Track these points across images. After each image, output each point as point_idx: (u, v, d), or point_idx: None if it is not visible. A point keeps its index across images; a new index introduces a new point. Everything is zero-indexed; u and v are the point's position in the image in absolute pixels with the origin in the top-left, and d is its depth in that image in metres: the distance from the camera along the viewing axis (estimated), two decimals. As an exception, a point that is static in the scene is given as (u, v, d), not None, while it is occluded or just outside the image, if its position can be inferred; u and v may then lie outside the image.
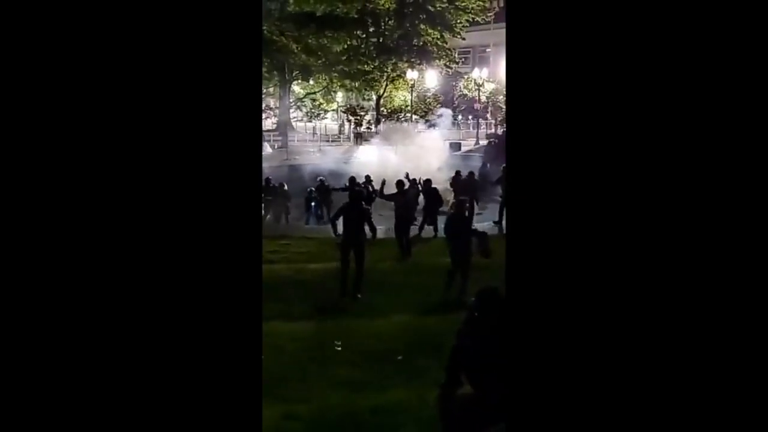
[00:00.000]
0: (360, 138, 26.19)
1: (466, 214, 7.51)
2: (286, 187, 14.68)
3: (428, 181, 11.13)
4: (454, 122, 28.11)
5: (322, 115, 30.63)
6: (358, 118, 28.19)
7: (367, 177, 13.36)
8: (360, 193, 8.98)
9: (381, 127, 24.98)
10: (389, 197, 9.86)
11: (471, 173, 13.40)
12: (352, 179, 12.17)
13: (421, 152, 19.38)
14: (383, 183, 10.74)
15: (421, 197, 10.91)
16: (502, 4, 28.04)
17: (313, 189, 14.60)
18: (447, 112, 27.46)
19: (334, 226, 7.92)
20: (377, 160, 19.24)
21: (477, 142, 25.19)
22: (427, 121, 26.74)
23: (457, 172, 13.26)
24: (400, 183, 10.02)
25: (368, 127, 27.48)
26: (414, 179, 11.79)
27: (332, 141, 27.92)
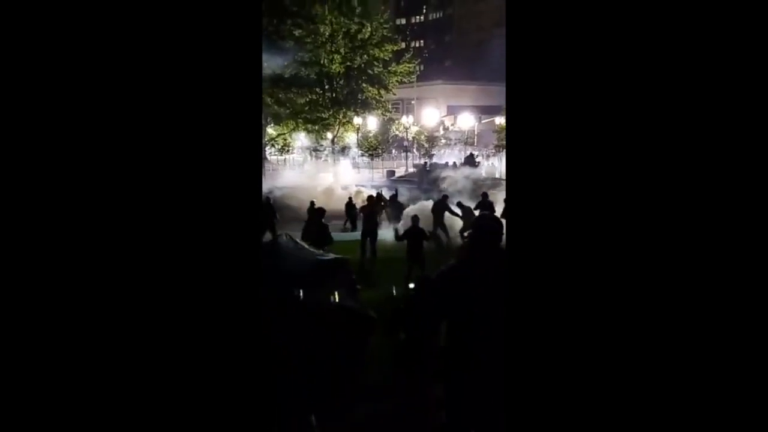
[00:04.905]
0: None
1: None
2: None
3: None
4: (362, 155, 33.35)
5: (290, 150, 34.58)
6: (318, 153, 33.49)
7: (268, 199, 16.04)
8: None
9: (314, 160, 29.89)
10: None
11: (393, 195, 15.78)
12: (267, 198, 15.18)
13: (337, 176, 24.54)
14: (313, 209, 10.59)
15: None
16: (422, 68, 34.66)
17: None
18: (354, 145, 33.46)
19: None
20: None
21: (407, 170, 30.49)
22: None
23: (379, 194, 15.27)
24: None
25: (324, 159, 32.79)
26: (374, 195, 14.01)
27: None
